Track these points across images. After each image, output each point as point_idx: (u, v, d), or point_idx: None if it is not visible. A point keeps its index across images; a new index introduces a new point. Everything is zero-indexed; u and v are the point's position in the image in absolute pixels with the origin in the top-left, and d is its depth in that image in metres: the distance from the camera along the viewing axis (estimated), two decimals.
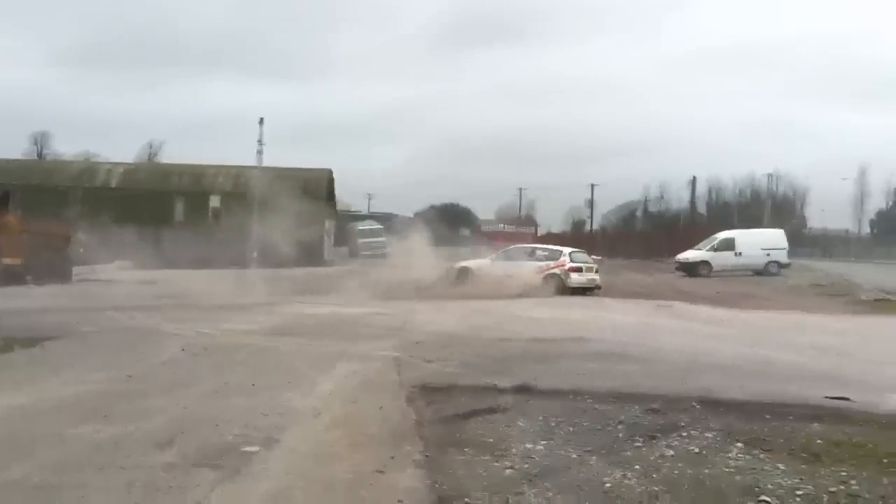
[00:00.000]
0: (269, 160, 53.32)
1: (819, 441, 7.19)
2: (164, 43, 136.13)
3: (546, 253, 30.60)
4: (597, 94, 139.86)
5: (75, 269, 33.77)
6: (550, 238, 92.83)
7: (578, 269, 28.77)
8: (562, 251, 30.31)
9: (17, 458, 6.34)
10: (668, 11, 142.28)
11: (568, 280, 28.11)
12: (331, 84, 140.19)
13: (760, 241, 42.94)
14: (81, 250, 39.15)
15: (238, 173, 54.77)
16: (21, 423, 7.54)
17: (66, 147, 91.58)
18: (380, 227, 73.46)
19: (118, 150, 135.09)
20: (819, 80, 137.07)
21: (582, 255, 30.50)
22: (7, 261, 29.36)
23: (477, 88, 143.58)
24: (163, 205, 52.66)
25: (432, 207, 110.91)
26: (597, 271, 29.78)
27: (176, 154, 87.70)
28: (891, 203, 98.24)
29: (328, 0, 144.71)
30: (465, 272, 30.11)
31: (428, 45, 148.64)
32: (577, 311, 19.49)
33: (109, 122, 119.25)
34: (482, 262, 30.56)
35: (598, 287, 28.95)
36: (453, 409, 8.28)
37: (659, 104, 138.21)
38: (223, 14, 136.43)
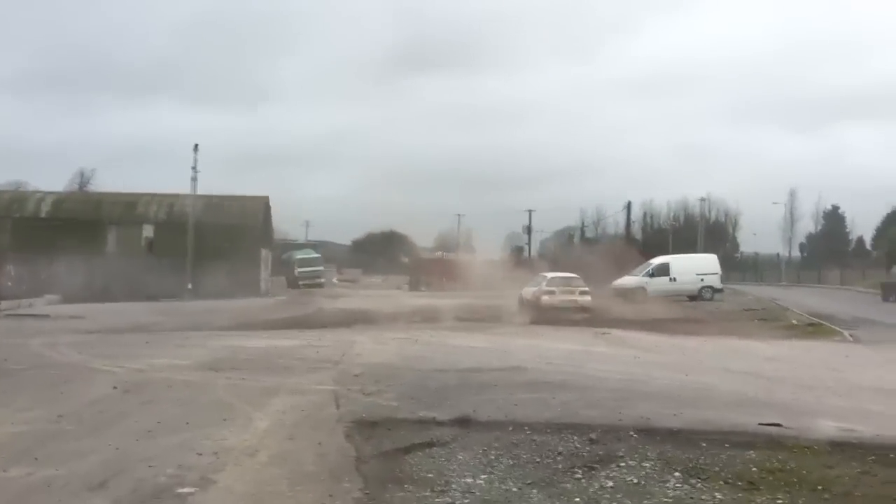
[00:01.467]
0: (205, 187, 52.72)
1: (754, 468, 7.29)
2: (96, 69, 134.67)
3: (538, 278, 33.73)
4: (533, 119, 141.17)
5: (2, 304, 32.89)
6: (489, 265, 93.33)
7: (551, 293, 31.30)
8: (545, 276, 33.38)
9: None
10: (602, 38, 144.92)
11: (540, 302, 30.64)
12: (268, 111, 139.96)
13: (694, 267, 43.66)
14: (9, 283, 38.26)
15: (172, 202, 54.07)
16: None
17: None
18: (318, 255, 73.09)
19: (48, 179, 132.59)
20: (750, 105, 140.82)
21: (562, 279, 32.73)
22: None
23: (414, 115, 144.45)
24: (94, 235, 51.61)
25: (370, 235, 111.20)
26: (583, 293, 31.84)
27: (108, 183, 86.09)
28: (820, 227, 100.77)
29: (265, 28, 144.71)
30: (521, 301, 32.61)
31: (365, 74, 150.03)
32: (514, 340, 19.56)
33: (39, 150, 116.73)
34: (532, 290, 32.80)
35: (585, 309, 30.69)
36: (392, 444, 8.22)
37: (595, 129, 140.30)
38: (158, 39, 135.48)
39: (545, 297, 31.17)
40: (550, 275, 33.85)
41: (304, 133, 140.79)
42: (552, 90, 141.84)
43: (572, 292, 31.80)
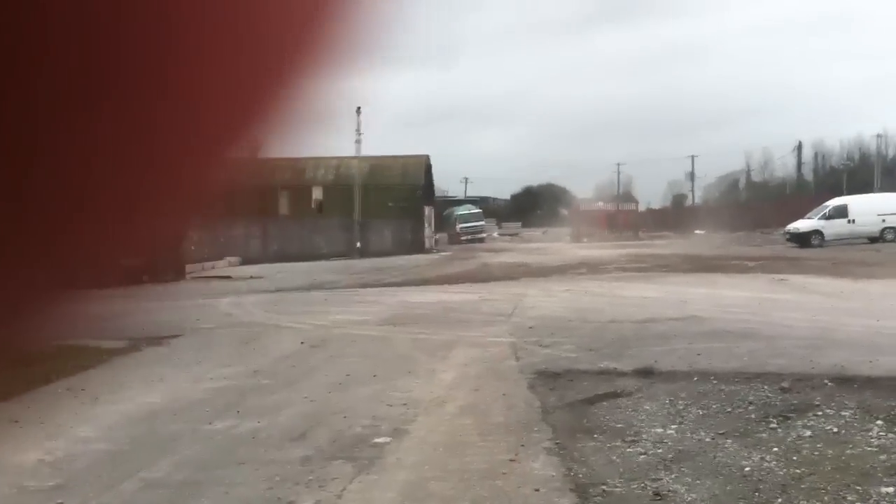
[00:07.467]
0: (376, 147, 53.94)
1: None
2: None
3: None
4: (697, 65, 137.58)
5: (188, 267, 34.76)
6: (651, 213, 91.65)
7: None
8: None
9: (160, 455, 6.59)
10: None
11: None
12: (444, 71, 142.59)
13: (875, 207, 41.11)
14: (192, 248, 40.33)
15: (338, 164, 55.45)
16: (159, 421, 7.83)
17: None
18: (478, 211, 73.70)
19: None
20: None
21: None
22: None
23: (577, 68, 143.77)
24: (267, 199, 53.57)
25: (528, 189, 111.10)
26: None
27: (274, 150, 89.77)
28: None
29: None
30: None
31: (542, 28, 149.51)
32: (687, 289, 19.10)
33: None
34: None
35: None
36: (576, 395, 8.23)
37: (761, 70, 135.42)
38: None
39: None
40: None
41: (473, 92, 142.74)
42: (729, 30, 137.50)
43: None
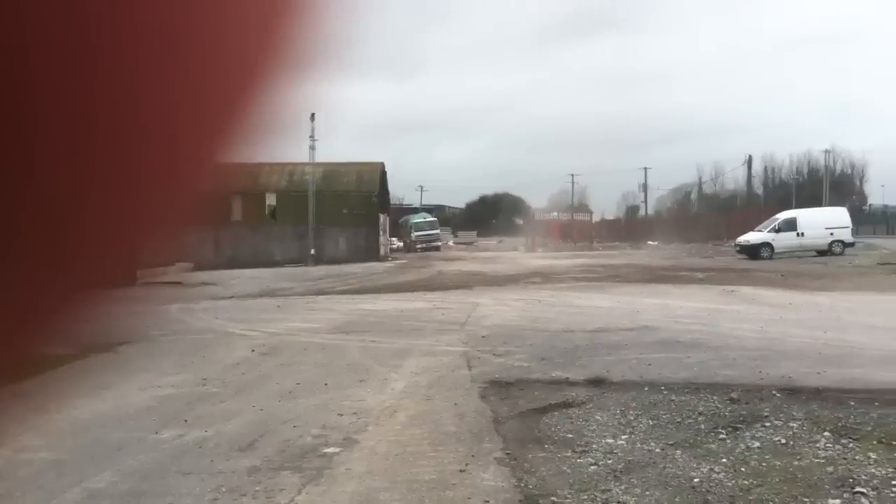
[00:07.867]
0: (326, 155, 53.46)
1: None
2: None
3: None
4: (654, 83, 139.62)
5: (138, 273, 34.25)
6: (605, 224, 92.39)
7: None
8: None
9: (104, 465, 6.44)
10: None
11: None
12: (408, 83, 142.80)
13: (823, 220, 41.80)
14: (147, 253, 39.75)
15: (292, 170, 55.04)
16: (104, 429, 7.67)
17: None
18: (434, 219, 73.75)
19: None
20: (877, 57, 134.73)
21: None
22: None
23: (535, 83, 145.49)
24: (220, 205, 52.98)
25: (483, 198, 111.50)
26: None
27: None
28: None
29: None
30: None
31: (507, 44, 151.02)
32: (639, 299, 19.26)
33: None
34: None
35: None
36: (528, 404, 8.22)
37: (714, 89, 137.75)
38: None
39: None
40: None
41: (432, 104, 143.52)
42: (685, 52, 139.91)
43: None
